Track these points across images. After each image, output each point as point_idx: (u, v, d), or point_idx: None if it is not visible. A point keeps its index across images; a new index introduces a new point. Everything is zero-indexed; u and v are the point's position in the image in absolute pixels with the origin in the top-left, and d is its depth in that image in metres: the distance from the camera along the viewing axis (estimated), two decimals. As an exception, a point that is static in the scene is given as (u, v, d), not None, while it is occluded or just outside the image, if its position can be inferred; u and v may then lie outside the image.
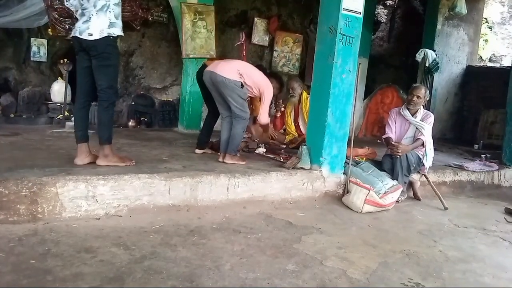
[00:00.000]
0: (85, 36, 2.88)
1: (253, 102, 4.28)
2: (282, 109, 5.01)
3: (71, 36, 3.07)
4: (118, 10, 2.98)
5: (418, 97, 4.00)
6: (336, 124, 3.65)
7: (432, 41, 6.93)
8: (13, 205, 2.47)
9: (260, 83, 3.77)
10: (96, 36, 2.86)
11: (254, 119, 4.36)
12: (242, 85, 3.62)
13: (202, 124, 5.89)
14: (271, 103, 5.56)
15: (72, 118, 4.96)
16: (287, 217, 3.05)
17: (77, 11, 3.02)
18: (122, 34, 3.04)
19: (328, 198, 3.64)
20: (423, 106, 4.13)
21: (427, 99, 4.16)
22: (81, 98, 3.07)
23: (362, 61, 6.46)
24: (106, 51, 2.90)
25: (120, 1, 3.02)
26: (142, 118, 6.09)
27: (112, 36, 2.92)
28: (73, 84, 5.47)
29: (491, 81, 6.93)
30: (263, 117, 3.90)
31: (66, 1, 3.04)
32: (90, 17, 2.89)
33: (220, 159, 3.66)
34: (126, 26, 5.93)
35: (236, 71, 3.62)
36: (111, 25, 2.92)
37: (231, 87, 3.56)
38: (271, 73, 3.92)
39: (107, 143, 3.08)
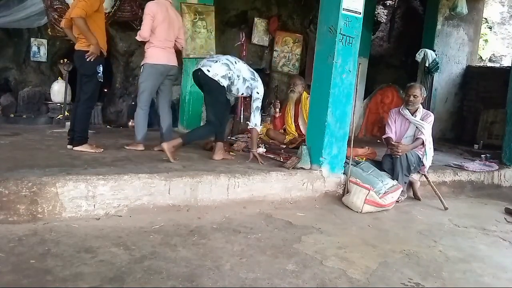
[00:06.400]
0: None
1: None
2: (278, 109, 5.01)
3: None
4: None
5: (414, 96, 4.00)
6: (336, 124, 3.65)
7: (432, 41, 6.93)
8: (13, 205, 2.47)
9: None
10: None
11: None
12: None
13: (201, 123, 5.91)
14: (271, 103, 5.57)
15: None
16: (287, 217, 3.05)
17: None
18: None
19: (328, 198, 3.64)
20: (422, 104, 4.14)
21: (424, 96, 4.16)
22: None
23: (362, 61, 6.46)
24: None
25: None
26: (142, 118, 6.08)
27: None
28: (73, 84, 5.50)
29: (491, 81, 6.93)
30: None
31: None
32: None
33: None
34: (126, 26, 5.98)
35: None
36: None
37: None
38: None
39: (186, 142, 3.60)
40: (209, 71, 3.62)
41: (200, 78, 3.70)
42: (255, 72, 3.91)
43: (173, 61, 3.96)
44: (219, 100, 3.72)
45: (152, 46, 3.83)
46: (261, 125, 4.02)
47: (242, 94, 3.89)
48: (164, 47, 3.86)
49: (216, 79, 3.62)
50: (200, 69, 3.67)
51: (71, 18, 3.45)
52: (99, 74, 3.62)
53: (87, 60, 3.52)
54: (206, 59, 3.81)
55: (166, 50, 3.88)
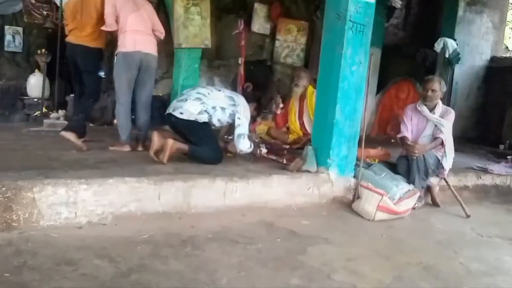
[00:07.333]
0: None
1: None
2: (281, 105, 5.02)
3: None
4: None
5: (433, 91, 4.00)
6: (345, 121, 3.65)
7: (452, 29, 6.93)
8: (-15, 212, 2.47)
9: None
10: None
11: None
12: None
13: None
14: (273, 98, 5.57)
15: (51, 115, 4.99)
16: (290, 226, 3.05)
17: None
18: None
19: (336, 204, 3.64)
20: (441, 100, 4.14)
21: (444, 90, 4.16)
22: None
23: (375, 51, 6.43)
24: None
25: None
26: (128, 115, 6.08)
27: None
28: (51, 77, 5.50)
29: (519, 73, 6.94)
30: None
31: None
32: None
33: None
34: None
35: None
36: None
37: None
38: None
39: None
40: (182, 113, 3.61)
41: (175, 124, 3.70)
42: (235, 96, 3.89)
43: (149, 48, 3.93)
44: (208, 136, 3.69)
45: (123, 31, 3.85)
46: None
47: (228, 122, 3.86)
48: (138, 31, 3.87)
49: (193, 119, 3.61)
50: (171, 114, 3.66)
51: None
52: (101, 71, 3.97)
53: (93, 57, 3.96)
54: (175, 100, 3.83)
55: (140, 35, 3.88)
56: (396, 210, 3.48)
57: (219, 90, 3.93)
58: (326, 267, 2.44)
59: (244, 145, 3.73)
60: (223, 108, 3.74)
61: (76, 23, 3.94)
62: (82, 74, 4.01)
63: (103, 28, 3.88)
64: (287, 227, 3.03)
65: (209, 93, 3.77)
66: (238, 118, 3.74)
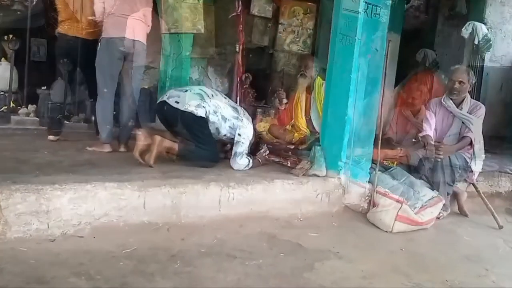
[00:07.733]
0: None
1: None
2: (285, 101, 5.03)
3: None
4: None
5: (460, 82, 4.00)
6: (359, 118, 3.65)
7: (482, 11, 6.92)
8: None
9: None
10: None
11: None
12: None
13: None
14: (275, 92, 5.58)
15: (19, 111, 4.99)
16: (296, 238, 3.06)
17: None
18: None
19: (348, 213, 3.65)
20: (470, 93, 4.14)
21: (473, 82, 4.17)
22: None
23: (393, 37, 6.42)
24: None
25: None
26: (110, 111, 6.10)
27: None
28: (20, 67, 5.50)
29: (559, 62, 6.93)
30: None
31: None
32: None
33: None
34: None
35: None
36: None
37: None
38: None
39: None
40: (177, 102, 3.62)
41: (167, 114, 3.69)
42: (240, 109, 3.92)
43: (136, 34, 4.00)
44: (204, 133, 3.68)
45: (110, 15, 3.92)
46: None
47: (225, 135, 3.85)
48: (125, 16, 3.93)
49: (190, 110, 3.60)
50: (165, 102, 3.66)
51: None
52: None
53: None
54: (173, 89, 3.85)
55: (128, 20, 3.94)
56: (418, 220, 3.48)
57: (225, 98, 3.96)
58: (337, 286, 2.44)
59: (241, 164, 3.73)
60: (224, 118, 3.76)
61: (69, 13, 4.10)
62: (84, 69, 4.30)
63: (89, 17, 3.96)
64: (292, 240, 3.04)
65: (213, 95, 3.79)
66: (239, 135, 3.76)
